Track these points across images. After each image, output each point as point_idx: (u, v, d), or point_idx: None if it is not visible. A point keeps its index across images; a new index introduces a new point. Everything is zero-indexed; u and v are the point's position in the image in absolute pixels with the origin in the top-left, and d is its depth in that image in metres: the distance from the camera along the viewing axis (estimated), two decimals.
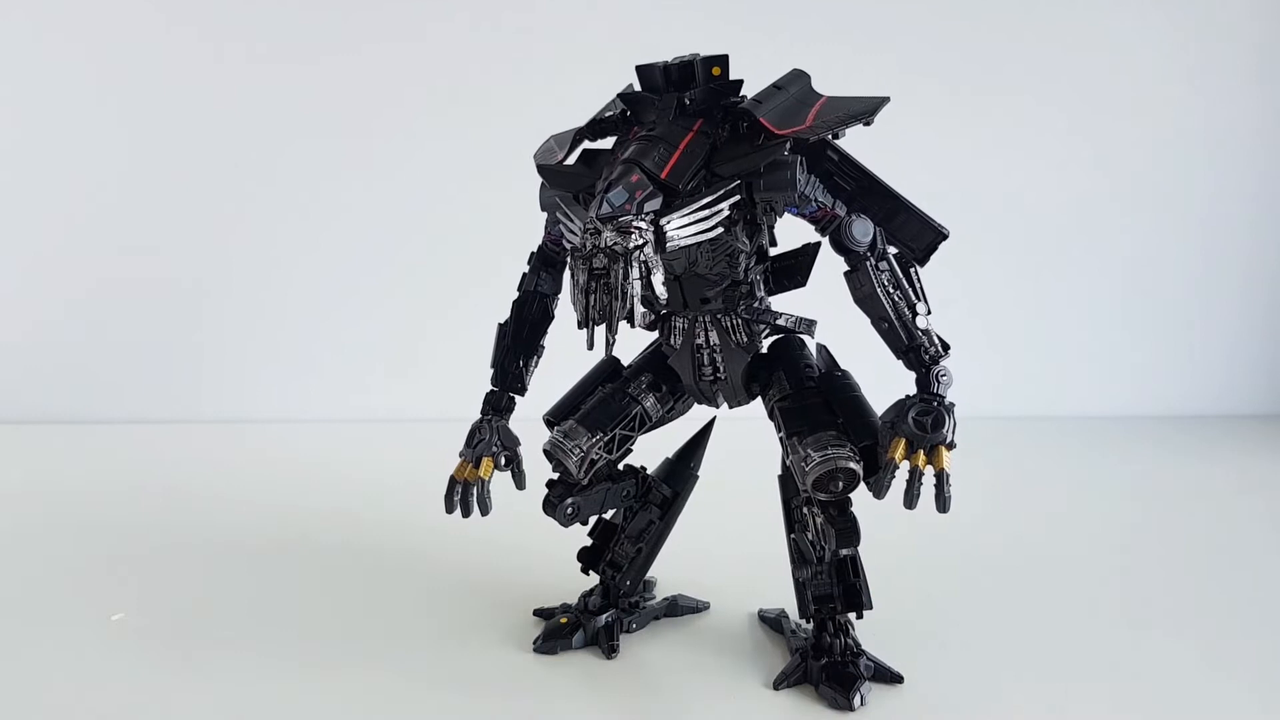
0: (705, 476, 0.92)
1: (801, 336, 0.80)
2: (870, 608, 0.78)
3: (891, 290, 0.71)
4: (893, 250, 0.73)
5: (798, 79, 0.72)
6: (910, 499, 0.66)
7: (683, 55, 0.72)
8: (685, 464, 0.91)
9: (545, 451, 0.82)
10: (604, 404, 0.82)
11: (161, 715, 0.74)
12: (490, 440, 0.80)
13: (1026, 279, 2.04)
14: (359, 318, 2.00)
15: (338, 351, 2.00)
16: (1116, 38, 1.98)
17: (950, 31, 1.96)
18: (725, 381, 0.80)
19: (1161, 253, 2.06)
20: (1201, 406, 2.07)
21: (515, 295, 0.84)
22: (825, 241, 0.73)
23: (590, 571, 0.90)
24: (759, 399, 0.81)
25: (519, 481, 0.82)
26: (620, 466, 0.87)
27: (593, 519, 0.88)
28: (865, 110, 0.69)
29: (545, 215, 0.81)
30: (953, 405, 0.68)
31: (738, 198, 0.68)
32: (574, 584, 0.92)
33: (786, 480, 0.81)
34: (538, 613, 0.91)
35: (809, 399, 0.76)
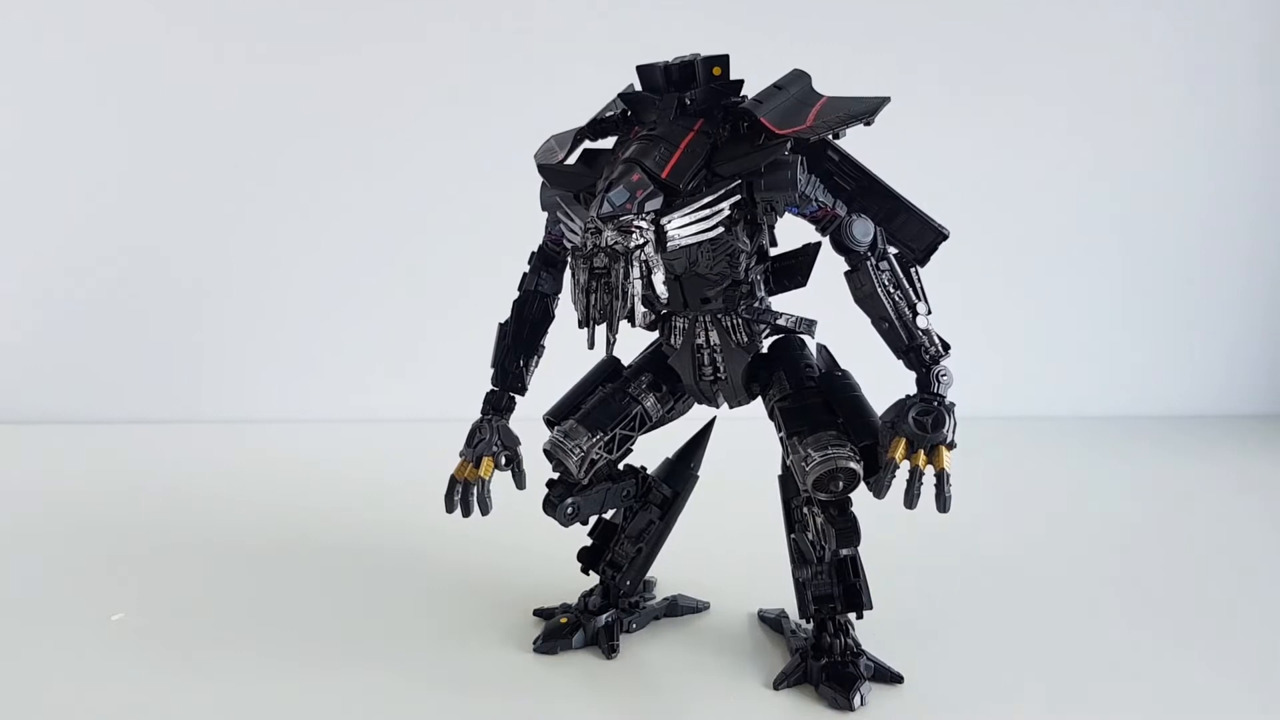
0: (705, 476, 0.92)
1: (802, 336, 0.80)
2: (870, 608, 0.78)
3: (892, 290, 0.71)
4: (893, 250, 0.73)
5: (798, 79, 0.72)
6: (910, 499, 0.66)
7: (683, 55, 0.72)
8: (685, 464, 0.91)
9: (545, 451, 0.82)
10: (604, 404, 0.82)
11: (161, 715, 0.74)
12: (490, 440, 0.80)
13: (1026, 279, 2.04)
14: (359, 318, 2.00)
15: (338, 351, 2.00)
16: (1116, 37, 1.98)
17: (950, 32, 1.96)
18: (725, 381, 0.80)
19: (1161, 253, 2.06)
20: (1201, 406, 2.07)
21: (516, 295, 0.84)
22: (825, 241, 0.73)
23: (590, 571, 0.90)
24: (759, 399, 0.81)
25: (519, 481, 0.82)
26: (620, 466, 0.87)
27: (593, 519, 0.88)
28: (866, 110, 0.69)
29: (546, 215, 0.81)
30: (953, 405, 0.68)
31: (738, 197, 0.68)
32: (574, 584, 0.92)
33: (786, 480, 0.81)
34: (538, 613, 0.91)
35: (809, 399, 0.76)
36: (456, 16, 1.93)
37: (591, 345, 0.65)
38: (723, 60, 0.71)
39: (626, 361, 0.86)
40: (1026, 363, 2.05)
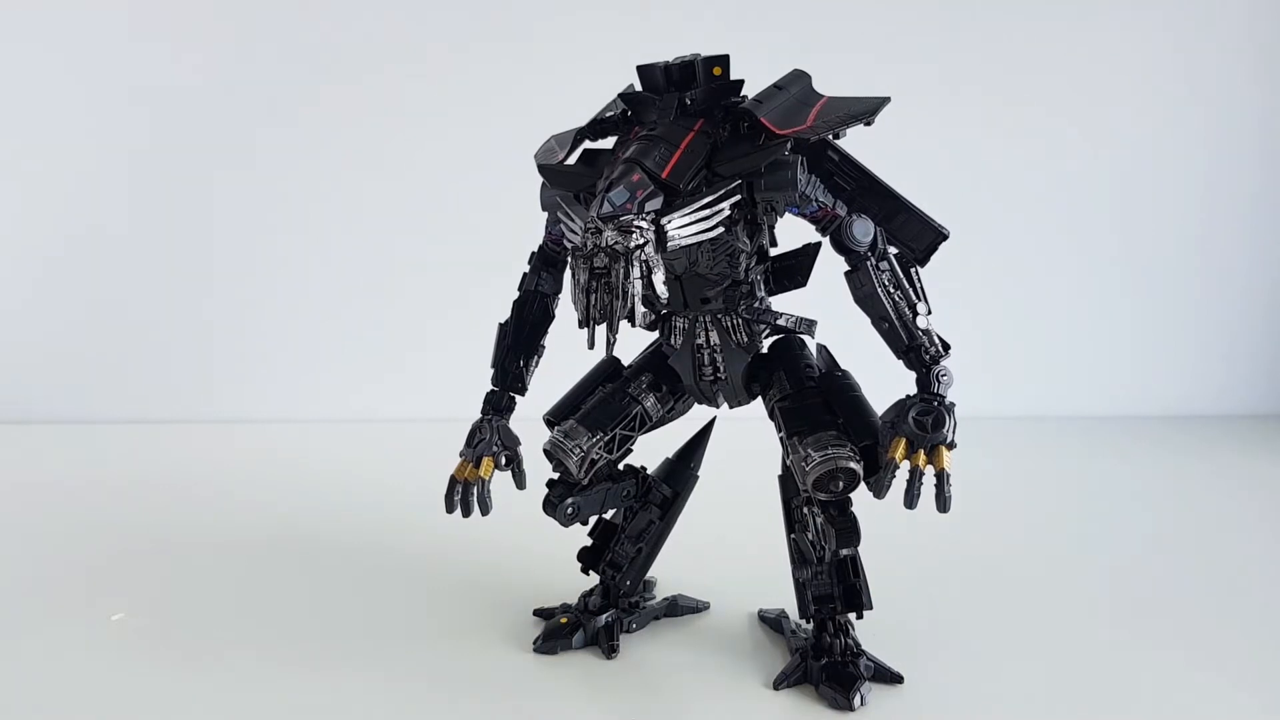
0: (705, 476, 0.92)
1: (802, 336, 0.80)
2: (870, 608, 0.78)
3: (892, 290, 0.71)
4: (893, 250, 0.73)
5: (798, 79, 0.72)
6: (910, 499, 0.66)
7: (683, 55, 0.72)
8: (685, 464, 0.91)
9: (545, 451, 0.82)
10: (604, 404, 0.82)
11: (161, 715, 0.74)
12: (490, 440, 0.80)
13: (1026, 278, 2.04)
14: (359, 318, 2.00)
15: (338, 351, 2.00)
16: (1116, 37, 1.97)
17: (950, 32, 1.96)
18: (725, 381, 0.80)
19: (1162, 252, 2.06)
20: (1201, 406, 2.07)
21: (516, 295, 0.84)
22: (825, 241, 0.73)
23: (590, 571, 0.90)
24: (759, 399, 0.81)
25: (519, 481, 0.82)
26: (620, 466, 0.87)
27: (593, 519, 0.88)
28: (866, 110, 0.69)
29: (546, 215, 0.81)
30: (953, 405, 0.68)
31: (739, 197, 0.68)
32: (574, 584, 0.92)
33: (786, 480, 0.81)
34: (538, 613, 0.91)
35: (809, 399, 0.76)
36: (457, 16, 1.93)
37: (591, 345, 0.65)
38: (723, 60, 0.71)
39: (626, 361, 0.86)
40: (1026, 363, 2.04)
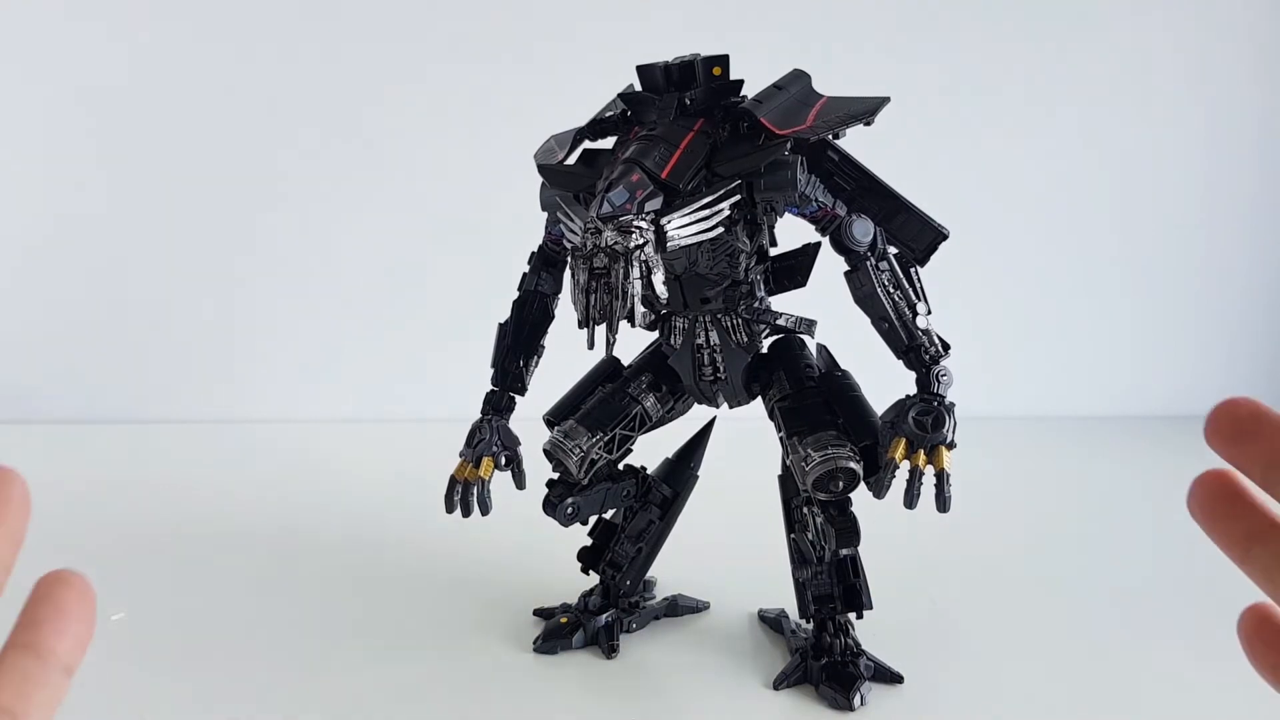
0: (705, 476, 0.92)
1: (802, 336, 0.80)
2: (870, 608, 0.78)
3: (892, 290, 0.71)
4: (893, 250, 0.73)
5: (798, 79, 0.72)
6: (910, 499, 0.66)
7: (683, 55, 0.72)
8: (685, 464, 0.91)
9: (545, 451, 0.82)
10: (604, 404, 0.82)
11: (161, 715, 0.74)
12: (490, 440, 0.80)
13: (1026, 278, 2.04)
14: (359, 318, 2.00)
15: (337, 352, 2.00)
16: (1115, 37, 1.97)
17: (950, 32, 1.96)
18: (725, 381, 0.80)
19: (1162, 252, 2.06)
20: (1201, 406, 2.04)
21: (515, 295, 0.84)
22: (825, 241, 0.73)
23: (590, 571, 0.90)
24: (759, 399, 0.81)
25: (519, 481, 0.82)
26: (620, 466, 0.87)
27: (593, 519, 0.88)
28: (866, 110, 0.69)
29: (546, 215, 0.81)
30: (953, 405, 0.68)
31: (738, 197, 0.68)
32: (574, 584, 0.92)
33: (786, 480, 0.81)
34: (538, 613, 0.91)
35: (809, 399, 0.76)
36: (458, 16, 1.93)
37: (591, 345, 0.65)
38: (723, 60, 0.71)
39: (626, 361, 0.86)
40: (1026, 363, 2.04)
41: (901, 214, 0.73)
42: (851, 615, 0.79)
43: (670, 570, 0.96)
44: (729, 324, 0.78)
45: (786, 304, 0.78)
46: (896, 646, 0.81)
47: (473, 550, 1.08)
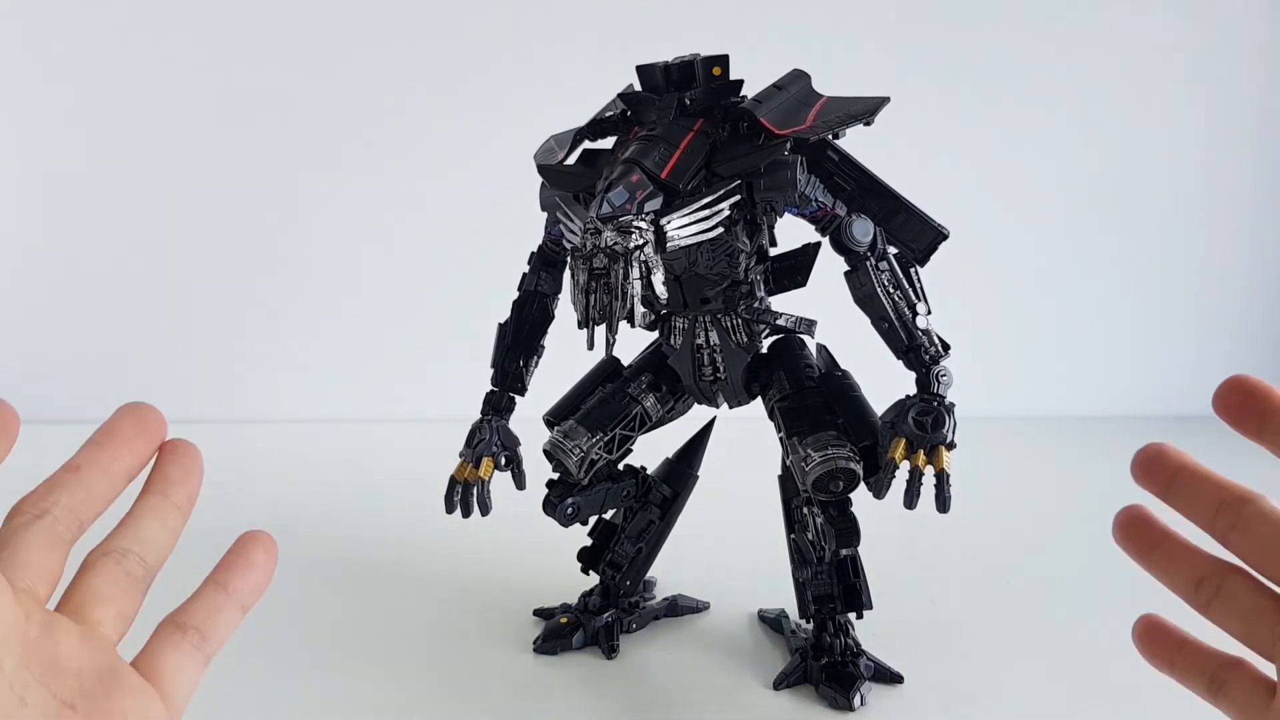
0: (705, 476, 0.92)
1: (801, 336, 0.80)
2: (870, 608, 0.78)
3: (891, 290, 0.71)
4: (893, 250, 0.73)
5: (798, 79, 0.72)
6: (910, 499, 0.66)
7: (683, 55, 0.72)
8: (685, 464, 0.91)
9: (545, 451, 0.82)
10: (604, 404, 0.82)
11: None
12: (490, 440, 0.80)
13: (1026, 278, 2.04)
14: (359, 318, 2.00)
15: (337, 352, 2.00)
16: (1115, 37, 1.97)
17: (950, 32, 1.96)
18: (725, 381, 0.80)
19: (1162, 252, 2.06)
20: (1201, 407, 2.05)
21: (515, 295, 0.84)
22: (825, 241, 0.73)
23: (590, 571, 0.90)
24: (759, 399, 0.81)
25: (519, 481, 0.82)
26: (620, 466, 0.87)
27: (593, 519, 0.88)
28: (865, 110, 0.69)
29: (545, 215, 0.81)
30: (953, 405, 0.68)
31: (738, 197, 0.68)
32: (574, 584, 0.92)
33: (786, 480, 0.81)
34: (538, 613, 0.91)
35: (809, 399, 0.76)
36: (458, 16, 1.93)
37: (591, 346, 0.65)
38: (722, 60, 0.71)
39: (626, 361, 0.86)
40: (1026, 363, 2.04)
41: (901, 214, 0.73)
42: (851, 615, 0.79)
43: (670, 570, 0.96)
44: (729, 324, 0.78)
45: (786, 304, 0.78)
46: (896, 646, 0.81)
47: (473, 550, 1.08)
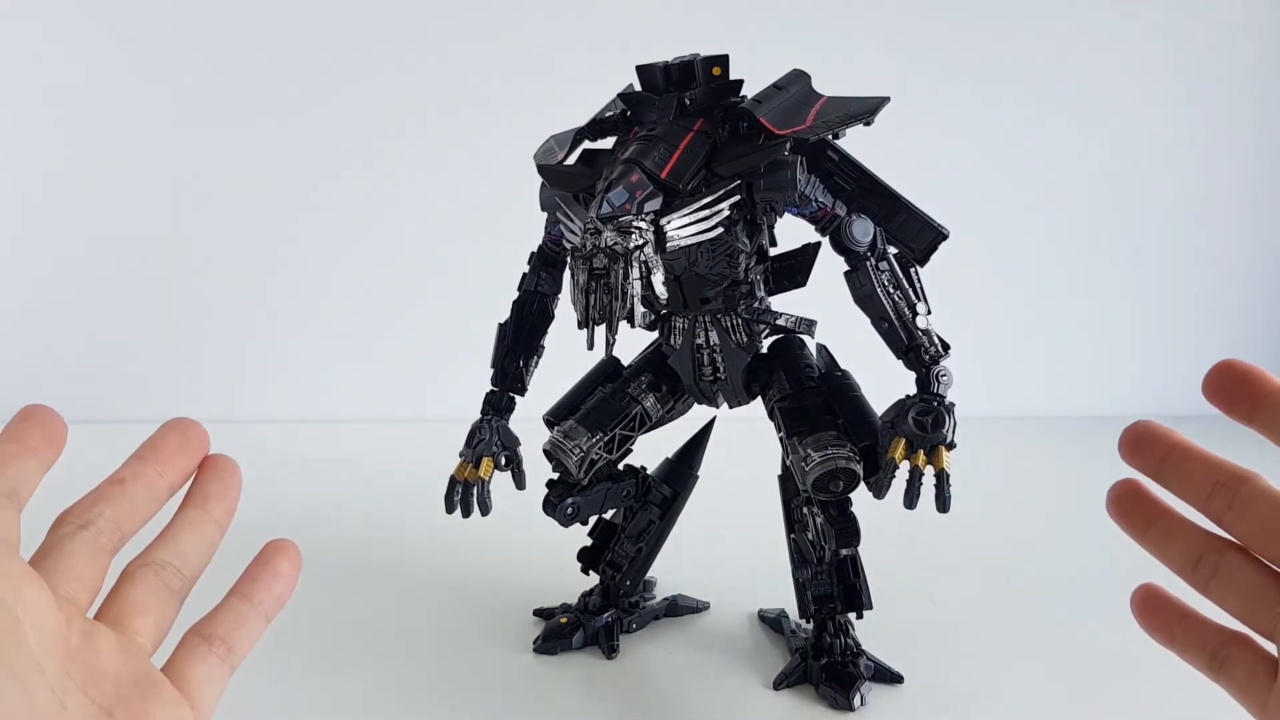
0: (705, 476, 0.92)
1: (801, 336, 0.80)
2: (870, 608, 0.78)
3: (891, 290, 0.71)
4: (893, 250, 0.73)
5: (798, 79, 0.72)
6: (910, 499, 0.66)
7: (683, 55, 0.72)
8: (685, 464, 0.91)
9: (545, 451, 0.82)
10: (604, 404, 0.82)
11: None
12: (490, 440, 0.80)
13: (1026, 278, 2.04)
14: (359, 318, 2.00)
15: (337, 352, 2.00)
16: (1114, 38, 1.97)
17: (950, 32, 1.96)
18: (725, 381, 0.80)
19: (1161, 253, 2.06)
20: (1201, 406, 2.05)
21: (515, 295, 0.84)
22: (825, 241, 0.73)
23: (590, 571, 0.90)
24: (759, 399, 0.81)
25: (519, 481, 0.82)
26: (620, 466, 0.87)
27: (593, 519, 0.88)
28: (865, 110, 0.69)
29: (545, 215, 0.81)
30: (953, 405, 0.68)
31: (738, 198, 0.68)
32: (574, 584, 0.92)
33: (786, 480, 0.81)
34: (538, 613, 0.91)
35: (809, 399, 0.76)
36: (458, 17, 1.93)
37: (591, 346, 0.65)
38: (722, 60, 0.71)
39: (626, 361, 0.86)
40: (1026, 363, 2.04)
41: (901, 214, 0.73)
42: (851, 615, 0.79)
43: (670, 570, 0.96)
44: (729, 324, 0.78)
45: (786, 304, 0.78)
46: (896, 646, 0.81)
47: (473, 550, 1.08)
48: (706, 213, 0.67)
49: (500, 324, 0.84)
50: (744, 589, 0.96)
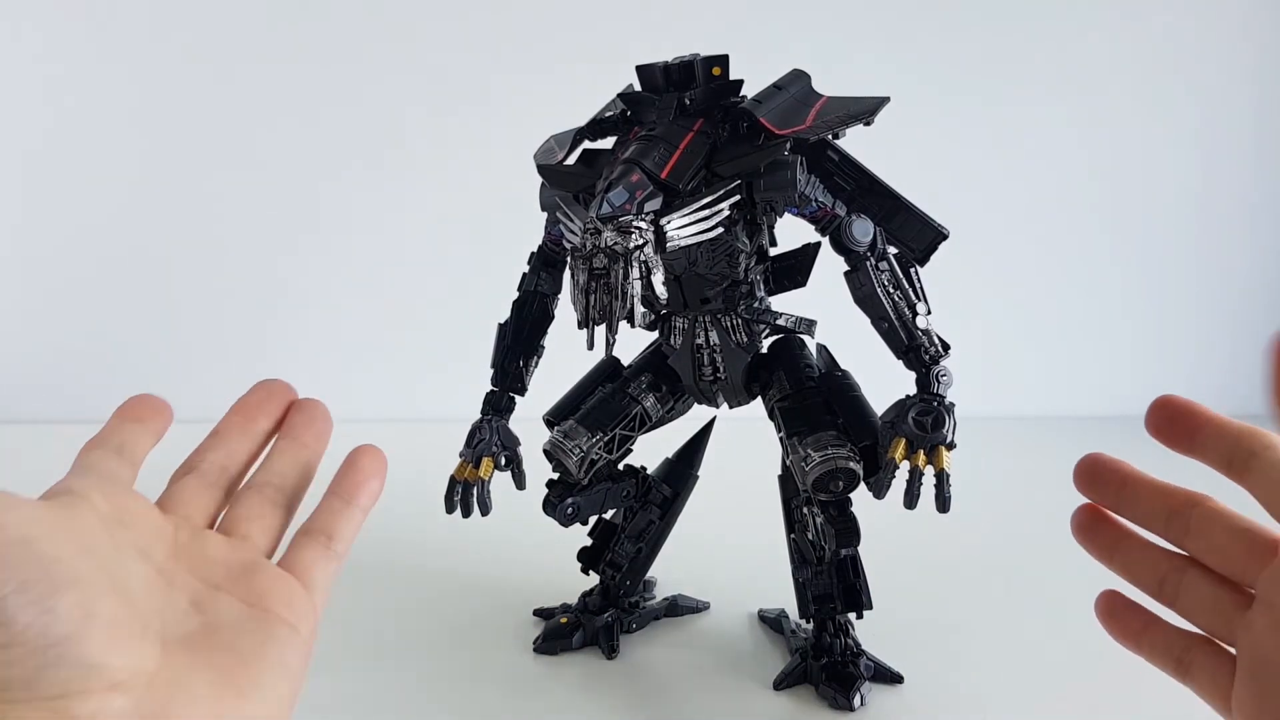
0: (705, 476, 0.92)
1: (801, 336, 0.80)
2: (870, 608, 0.78)
3: (891, 290, 0.71)
4: (893, 250, 0.73)
5: (798, 79, 0.72)
6: (910, 499, 0.66)
7: (683, 55, 0.72)
8: (685, 464, 0.91)
9: (545, 451, 0.82)
10: (604, 404, 0.82)
11: None
12: (490, 440, 0.80)
13: (1026, 278, 2.04)
14: (359, 318, 2.00)
15: (337, 352, 2.00)
16: (1114, 38, 1.97)
17: (950, 32, 1.96)
18: (725, 381, 0.80)
19: (1161, 253, 2.06)
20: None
21: (515, 295, 0.84)
22: (825, 241, 0.73)
23: (590, 571, 0.90)
24: (759, 399, 0.81)
25: (519, 481, 0.82)
26: (620, 466, 0.87)
27: (593, 519, 0.88)
28: (865, 110, 0.69)
29: (545, 215, 0.81)
30: (953, 405, 0.68)
31: (738, 198, 0.68)
32: (574, 584, 0.92)
33: (786, 480, 0.81)
34: (538, 613, 0.91)
35: (809, 399, 0.76)
36: (458, 17, 1.93)
37: (591, 346, 0.65)
38: (722, 60, 0.71)
39: (626, 361, 0.86)
40: (1026, 363, 2.04)
41: (901, 214, 0.73)
42: (851, 615, 0.79)
43: (670, 570, 0.96)
44: (729, 324, 0.78)
45: (786, 304, 0.78)
46: (896, 646, 0.81)
47: (473, 550, 1.08)
48: (706, 213, 0.67)
49: (500, 324, 0.84)
50: (744, 589, 0.96)
